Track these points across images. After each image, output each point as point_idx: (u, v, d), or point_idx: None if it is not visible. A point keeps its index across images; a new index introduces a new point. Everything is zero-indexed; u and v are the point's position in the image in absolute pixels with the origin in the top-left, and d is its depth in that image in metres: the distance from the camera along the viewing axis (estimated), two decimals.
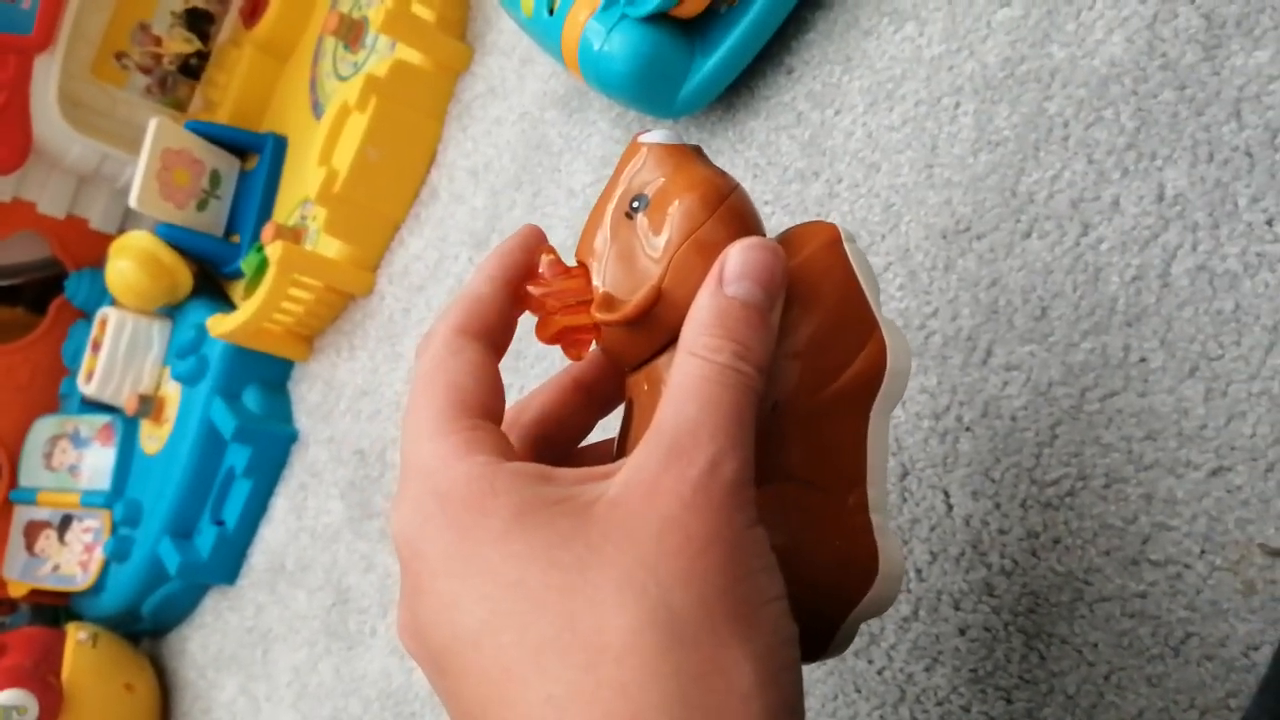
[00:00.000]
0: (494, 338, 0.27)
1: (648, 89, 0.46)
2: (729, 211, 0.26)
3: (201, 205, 0.84)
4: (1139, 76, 0.35)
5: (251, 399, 0.76)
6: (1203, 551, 0.30)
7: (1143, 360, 0.32)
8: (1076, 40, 0.37)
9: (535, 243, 0.28)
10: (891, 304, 0.40)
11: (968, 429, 0.36)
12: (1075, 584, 0.32)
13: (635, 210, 0.26)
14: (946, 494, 0.36)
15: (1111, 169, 0.35)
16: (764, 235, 0.26)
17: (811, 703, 0.38)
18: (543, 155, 0.61)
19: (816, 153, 0.45)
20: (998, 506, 0.35)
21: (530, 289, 0.27)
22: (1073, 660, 0.32)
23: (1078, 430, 0.33)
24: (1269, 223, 0.31)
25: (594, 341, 0.28)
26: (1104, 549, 0.32)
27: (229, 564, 0.76)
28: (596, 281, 0.27)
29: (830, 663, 0.38)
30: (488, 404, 0.25)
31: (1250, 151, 0.32)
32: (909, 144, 0.42)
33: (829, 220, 0.40)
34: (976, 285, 0.37)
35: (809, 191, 0.45)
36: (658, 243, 0.26)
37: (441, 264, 0.66)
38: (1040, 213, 0.36)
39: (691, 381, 0.23)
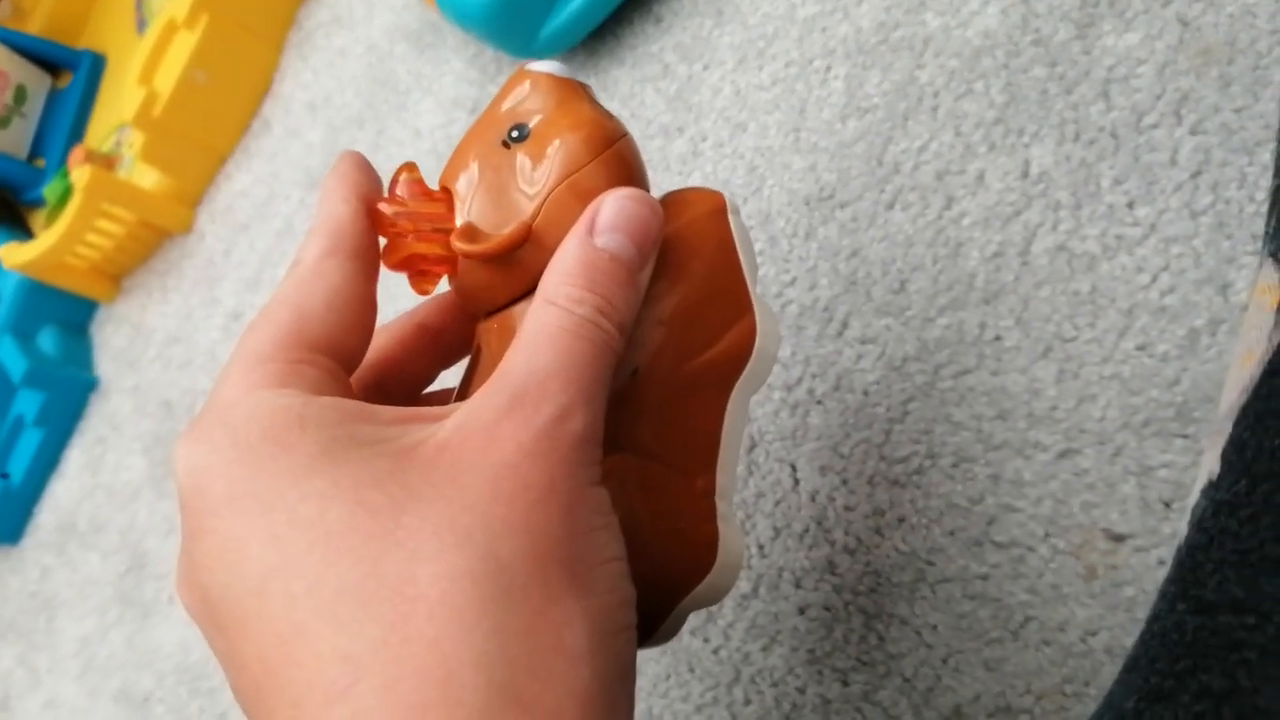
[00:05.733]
0: (366, 258, 0.24)
1: (507, 24, 0.43)
2: (614, 158, 0.24)
3: (3, 123, 0.77)
4: (1011, 50, 0.34)
5: (47, 340, 0.71)
6: (1047, 534, 0.29)
7: (998, 339, 0.32)
8: (952, 9, 0.36)
9: (370, 167, 0.25)
10: None
11: (819, 402, 0.35)
12: (918, 564, 0.31)
13: (514, 140, 0.24)
14: (794, 468, 0.35)
15: (979, 143, 0.34)
16: (647, 190, 0.24)
17: (642, 683, 0.36)
18: (389, 92, 0.56)
19: (682, 108, 0.43)
20: (845, 483, 0.33)
21: (382, 206, 0.24)
22: (912, 642, 0.31)
23: (929, 407, 0.32)
24: (1130, 205, 0.30)
25: (446, 276, 0.25)
26: (949, 529, 0.31)
27: (12, 521, 0.71)
28: (461, 213, 0.24)
29: None
30: (336, 336, 0.22)
31: (1116, 133, 0.31)
32: (777, 105, 0.40)
33: (699, 184, 0.38)
34: (837, 255, 0.36)
35: (672, 148, 0.43)
36: (533, 179, 0.23)
37: (270, 202, 0.61)
38: (905, 183, 0.35)
39: (547, 331, 0.21)
